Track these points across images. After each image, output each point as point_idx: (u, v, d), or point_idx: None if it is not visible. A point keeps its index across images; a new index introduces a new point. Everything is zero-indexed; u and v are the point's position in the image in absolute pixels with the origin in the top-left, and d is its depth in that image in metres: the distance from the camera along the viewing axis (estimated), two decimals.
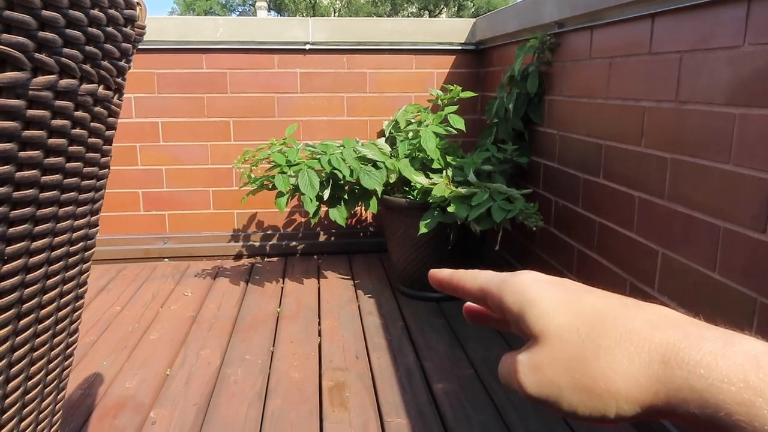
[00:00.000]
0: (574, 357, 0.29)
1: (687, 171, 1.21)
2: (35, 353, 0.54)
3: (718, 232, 1.12)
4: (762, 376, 0.24)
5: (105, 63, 0.52)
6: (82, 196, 0.55)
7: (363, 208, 2.26)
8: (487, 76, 2.54)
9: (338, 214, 2.08)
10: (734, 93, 1.07)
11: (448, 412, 1.42)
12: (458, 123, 2.15)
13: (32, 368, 0.54)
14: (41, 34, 0.41)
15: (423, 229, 1.89)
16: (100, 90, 0.53)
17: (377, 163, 2.05)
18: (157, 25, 2.40)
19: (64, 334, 0.60)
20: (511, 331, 0.35)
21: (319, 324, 1.94)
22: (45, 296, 0.53)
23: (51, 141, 0.46)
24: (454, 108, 2.21)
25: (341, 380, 1.57)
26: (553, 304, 0.31)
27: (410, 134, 2.21)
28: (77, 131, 0.50)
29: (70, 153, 0.50)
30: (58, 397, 0.64)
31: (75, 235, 0.56)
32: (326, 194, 2.04)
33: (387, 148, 2.17)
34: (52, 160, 0.47)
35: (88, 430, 1.37)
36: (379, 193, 2.02)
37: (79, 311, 0.63)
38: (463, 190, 1.83)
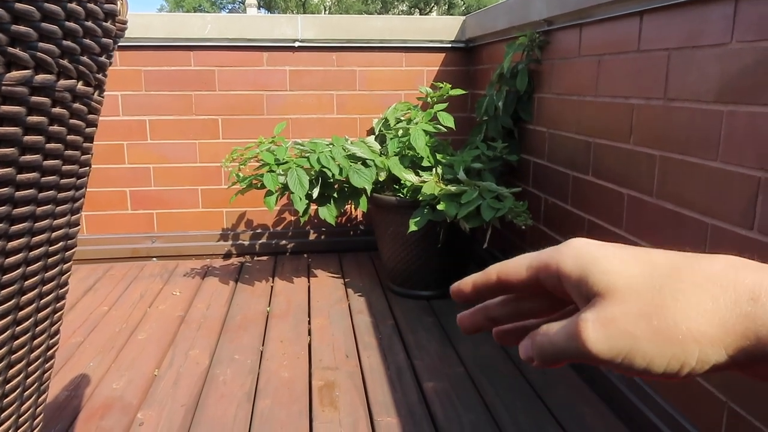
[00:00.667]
0: (650, 304, 0.27)
1: (675, 168, 1.21)
2: (13, 356, 0.53)
3: (707, 229, 1.12)
4: None
5: (84, 58, 0.51)
6: (62, 195, 0.54)
7: (353, 206, 2.25)
8: (477, 73, 2.54)
9: (328, 213, 2.07)
10: (722, 90, 1.07)
11: (439, 410, 1.42)
12: (448, 121, 2.15)
13: (10, 371, 0.53)
14: (15, 27, 0.40)
15: (413, 227, 1.88)
16: (79, 86, 0.51)
17: (367, 161, 2.04)
18: (144, 22, 2.38)
19: (44, 336, 0.59)
20: (540, 317, 0.35)
21: (309, 323, 1.93)
22: (23, 297, 0.52)
23: (27, 138, 0.45)
24: (444, 106, 2.20)
25: (331, 379, 1.57)
26: (620, 259, 0.29)
27: (400, 132, 2.20)
28: (55, 128, 0.49)
29: (47, 150, 0.49)
30: (39, 400, 0.63)
31: (54, 234, 0.55)
32: (316, 192, 2.03)
33: (377, 146, 2.16)
34: (28, 157, 0.46)
35: (74, 431, 1.35)
36: (369, 192, 2.01)
37: (60, 312, 0.62)
38: (452, 188, 1.83)
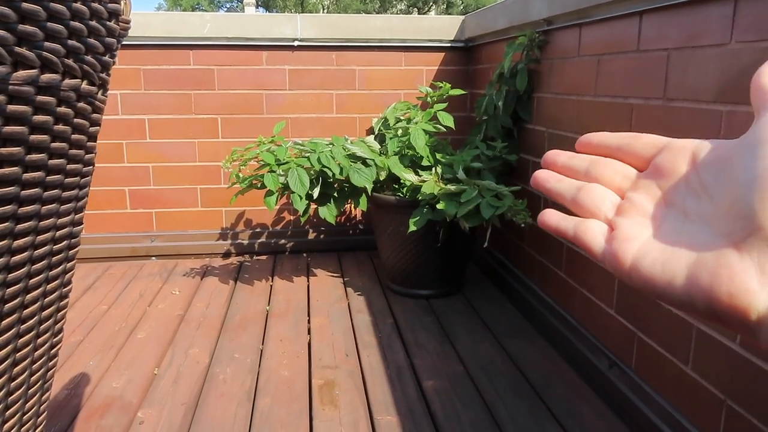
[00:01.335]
0: None
1: None
2: (18, 354, 0.53)
3: None
4: None
5: (88, 58, 0.51)
6: (66, 194, 0.54)
7: (353, 205, 2.25)
8: (477, 73, 2.54)
9: (328, 212, 2.07)
10: (721, 90, 1.07)
11: (438, 409, 1.42)
12: (447, 120, 2.15)
13: (15, 369, 0.53)
14: (21, 27, 0.40)
15: (412, 227, 1.88)
16: (84, 85, 0.52)
17: (367, 160, 2.04)
18: (143, 21, 2.38)
19: (48, 334, 0.59)
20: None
21: (309, 322, 1.93)
22: (28, 295, 0.52)
23: (32, 137, 0.45)
24: (444, 105, 2.21)
25: (331, 378, 1.57)
26: None
27: (399, 131, 2.20)
28: (60, 127, 0.49)
29: (52, 150, 0.49)
30: (43, 397, 0.63)
31: (59, 233, 0.55)
32: (316, 192, 2.03)
33: (376, 146, 2.16)
34: (33, 156, 0.46)
35: (74, 430, 1.35)
36: (369, 191, 2.01)
37: (64, 311, 0.62)
38: (452, 188, 1.83)
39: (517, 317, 1.96)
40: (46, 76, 0.45)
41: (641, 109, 1.33)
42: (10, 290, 0.48)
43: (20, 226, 0.47)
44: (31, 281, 0.52)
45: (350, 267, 2.46)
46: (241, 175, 2.07)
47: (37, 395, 0.61)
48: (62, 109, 0.49)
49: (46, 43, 0.44)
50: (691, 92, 1.16)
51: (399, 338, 1.81)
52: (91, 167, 0.59)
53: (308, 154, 2.02)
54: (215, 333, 1.84)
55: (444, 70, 2.62)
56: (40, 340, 0.57)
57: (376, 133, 2.42)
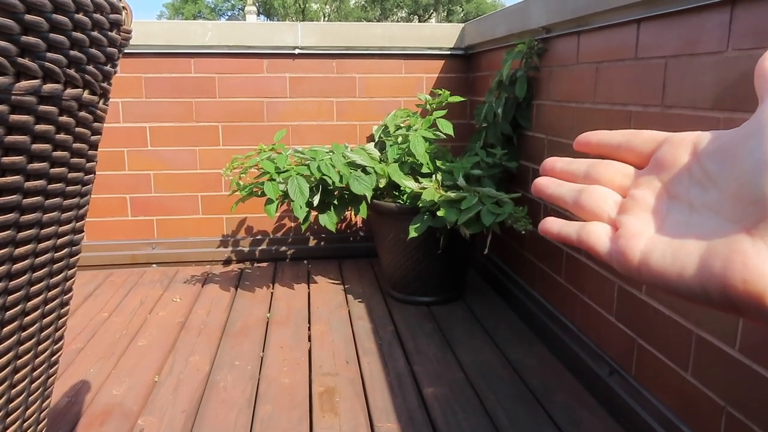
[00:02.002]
0: None
1: None
2: (19, 361, 0.54)
3: None
4: None
5: (90, 67, 0.52)
6: (67, 202, 0.54)
7: (353, 213, 2.26)
8: (476, 80, 2.55)
9: (328, 220, 2.08)
10: (719, 97, 1.08)
11: (439, 416, 1.42)
12: (447, 128, 2.16)
13: (16, 376, 0.54)
14: (24, 38, 0.41)
15: (413, 233, 1.89)
16: (85, 95, 0.52)
17: (367, 168, 2.05)
18: (144, 29, 2.39)
19: (48, 341, 0.59)
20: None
21: (309, 329, 1.93)
22: (29, 303, 0.52)
23: (35, 146, 0.46)
24: (443, 113, 2.22)
25: (331, 385, 1.57)
26: None
27: (399, 139, 2.21)
28: (62, 136, 0.50)
29: (54, 158, 0.49)
30: (43, 405, 0.63)
31: (60, 241, 0.55)
32: (316, 200, 2.04)
33: (376, 153, 2.17)
34: (35, 165, 0.47)
35: None
36: (369, 199, 2.02)
37: (65, 318, 0.63)
38: (452, 195, 1.84)
39: (517, 324, 1.96)
40: (48, 86, 0.46)
41: (640, 116, 1.33)
42: (11, 297, 0.49)
43: (22, 234, 0.48)
44: (32, 288, 0.52)
45: (351, 274, 2.47)
46: (241, 183, 2.08)
47: (38, 402, 0.61)
48: (64, 119, 0.50)
49: (49, 54, 0.44)
50: (688, 99, 1.17)
51: (399, 345, 1.81)
52: (92, 175, 0.60)
53: (308, 162, 2.02)
54: (216, 340, 1.84)
55: (444, 77, 2.63)
56: (41, 347, 0.58)
57: (376, 140, 2.43)
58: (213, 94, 2.50)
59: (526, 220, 1.74)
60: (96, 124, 0.57)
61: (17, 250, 0.48)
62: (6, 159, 0.43)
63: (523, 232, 1.76)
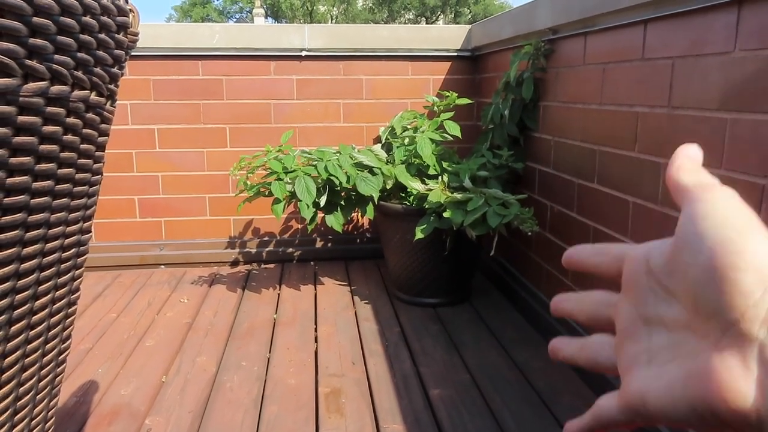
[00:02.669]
0: None
1: None
2: (27, 359, 0.54)
3: None
4: None
5: (97, 70, 0.52)
6: (74, 203, 0.55)
7: (359, 214, 2.26)
8: (483, 82, 2.55)
9: (335, 221, 2.08)
10: (726, 98, 1.08)
11: (444, 417, 1.42)
12: (454, 129, 2.16)
13: (24, 374, 0.54)
14: (32, 41, 0.42)
15: (419, 235, 1.89)
16: (93, 96, 0.53)
17: (373, 169, 2.05)
18: (152, 32, 2.41)
19: (56, 341, 0.60)
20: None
21: (316, 330, 1.94)
22: (37, 302, 0.53)
23: (42, 147, 0.46)
24: (450, 114, 2.22)
25: (337, 386, 1.57)
26: None
27: (406, 140, 2.21)
28: (69, 137, 0.50)
29: (61, 159, 0.50)
30: (51, 403, 0.64)
31: (67, 241, 0.56)
32: (323, 200, 2.04)
33: (383, 155, 2.17)
34: (43, 166, 0.47)
35: None
36: (376, 200, 2.02)
37: (72, 318, 0.63)
38: (458, 196, 1.84)
39: (524, 325, 1.95)
40: (56, 88, 0.46)
41: (646, 116, 1.33)
42: (19, 296, 0.49)
43: (30, 234, 0.48)
44: (40, 288, 0.53)
45: (357, 275, 2.47)
46: (248, 182, 2.09)
47: (46, 401, 0.62)
48: (71, 120, 0.50)
49: (56, 56, 0.45)
50: (695, 100, 1.16)
51: (406, 347, 1.81)
52: (99, 176, 0.60)
53: (315, 163, 2.03)
54: (223, 341, 1.85)
55: (450, 79, 2.63)
56: (48, 345, 0.58)
57: (383, 142, 2.44)
58: (220, 96, 2.52)
59: (532, 221, 1.74)
60: (103, 126, 0.58)
61: (25, 249, 0.48)
62: (14, 159, 0.43)
63: (530, 234, 1.75)
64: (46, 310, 0.55)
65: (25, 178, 0.45)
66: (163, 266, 2.58)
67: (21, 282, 0.49)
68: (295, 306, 2.14)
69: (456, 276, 2.11)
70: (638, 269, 0.27)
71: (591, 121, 1.59)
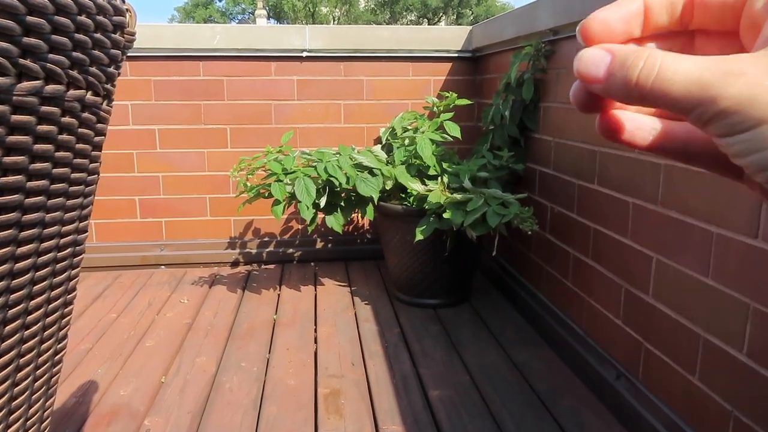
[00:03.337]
0: None
1: (680, 177, 1.21)
2: (22, 359, 0.54)
3: (711, 238, 1.12)
4: None
5: (93, 69, 0.52)
6: (70, 202, 0.55)
7: (359, 215, 2.26)
8: (483, 83, 2.55)
9: (335, 221, 2.08)
10: None
11: (444, 419, 1.42)
12: (454, 130, 2.16)
13: (19, 374, 0.54)
14: (26, 39, 0.41)
15: (419, 236, 1.89)
16: (88, 96, 0.53)
17: (373, 170, 2.05)
18: (154, 33, 2.41)
19: (52, 341, 0.60)
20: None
21: (316, 331, 1.93)
22: (32, 302, 0.53)
23: (37, 146, 0.46)
24: (450, 115, 2.22)
25: (337, 387, 1.57)
26: None
27: (406, 141, 2.21)
28: (64, 137, 0.50)
29: (56, 159, 0.50)
30: (47, 404, 0.64)
31: (63, 240, 0.56)
32: (323, 201, 2.04)
33: (383, 155, 2.17)
34: (38, 165, 0.47)
35: None
36: (376, 200, 2.02)
37: (68, 317, 0.63)
38: (458, 197, 1.83)
39: (523, 326, 1.95)
40: (51, 87, 0.46)
41: None
42: (13, 296, 0.49)
43: (24, 234, 0.48)
44: (35, 287, 0.53)
45: (357, 276, 2.47)
46: (248, 184, 2.09)
47: (42, 401, 0.62)
48: (66, 119, 0.50)
49: (51, 55, 0.45)
50: None
51: (405, 348, 1.80)
52: (95, 176, 0.60)
53: (315, 164, 2.03)
54: (222, 342, 1.85)
55: (451, 80, 2.63)
56: (43, 346, 0.58)
57: (383, 142, 2.44)
58: (221, 96, 2.52)
59: (532, 221, 1.74)
60: (99, 125, 0.57)
61: (19, 249, 0.48)
62: (8, 159, 0.43)
63: (530, 233, 1.75)
64: (42, 310, 0.55)
65: (19, 177, 0.45)
66: (163, 267, 2.58)
67: (15, 281, 0.49)
68: (295, 307, 2.14)
69: (456, 277, 2.10)
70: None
71: (591, 121, 1.58)
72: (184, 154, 2.54)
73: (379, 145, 2.38)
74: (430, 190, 1.94)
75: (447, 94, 2.31)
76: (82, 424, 1.40)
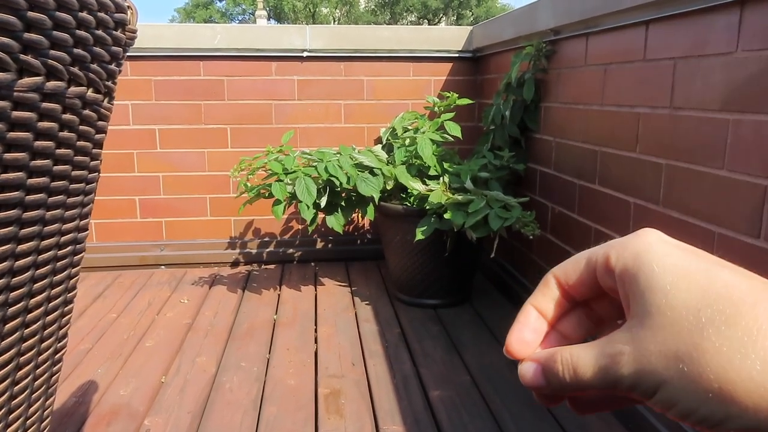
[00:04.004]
0: (687, 344, 0.23)
1: (681, 177, 1.21)
2: (22, 358, 0.54)
3: (713, 238, 1.12)
4: None
5: (94, 66, 0.52)
6: (71, 200, 0.55)
7: (360, 215, 2.26)
8: (484, 83, 2.55)
9: (335, 221, 2.08)
10: (728, 99, 1.07)
11: (444, 419, 1.41)
12: (454, 130, 2.15)
13: (19, 373, 0.54)
14: (27, 35, 0.41)
15: (419, 236, 1.88)
16: (89, 93, 0.53)
17: (374, 170, 2.05)
18: (154, 33, 2.41)
19: (52, 339, 0.60)
20: (622, 404, 0.29)
21: (316, 331, 1.93)
22: (32, 300, 0.53)
23: (37, 143, 0.46)
24: (451, 115, 2.21)
25: (337, 387, 1.57)
26: (674, 276, 0.24)
27: (407, 141, 2.21)
28: (65, 134, 0.50)
29: (57, 156, 0.50)
30: (47, 402, 0.63)
31: (63, 239, 0.56)
32: (323, 201, 2.04)
33: (384, 155, 2.17)
34: (38, 162, 0.47)
35: None
36: (376, 200, 2.02)
37: (68, 316, 0.63)
38: (459, 197, 1.83)
39: None
40: (52, 84, 0.46)
41: (648, 117, 1.32)
42: (13, 294, 0.49)
43: (24, 231, 0.48)
44: (35, 286, 0.52)
45: (358, 276, 2.46)
46: (249, 184, 2.08)
47: (41, 400, 0.61)
48: (67, 116, 0.50)
49: (52, 51, 0.45)
50: (697, 101, 1.16)
51: (406, 348, 1.80)
52: (96, 174, 0.60)
53: (315, 163, 2.03)
54: (222, 342, 1.85)
55: (452, 80, 2.63)
56: (44, 344, 0.58)
57: (384, 142, 2.43)
58: (222, 96, 2.52)
59: (534, 225, 1.73)
60: (100, 123, 0.57)
61: (20, 247, 0.48)
62: (8, 155, 0.43)
63: (531, 237, 1.75)
64: (42, 309, 0.55)
65: (19, 174, 0.45)
66: (163, 267, 2.58)
67: (15, 280, 0.48)
68: (295, 307, 2.14)
69: (456, 277, 2.10)
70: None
71: (592, 121, 1.59)
72: (185, 154, 2.54)
73: (380, 145, 2.38)
74: (431, 190, 1.94)
75: (448, 94, 2.31)
76: (82, 424, 1.40)
